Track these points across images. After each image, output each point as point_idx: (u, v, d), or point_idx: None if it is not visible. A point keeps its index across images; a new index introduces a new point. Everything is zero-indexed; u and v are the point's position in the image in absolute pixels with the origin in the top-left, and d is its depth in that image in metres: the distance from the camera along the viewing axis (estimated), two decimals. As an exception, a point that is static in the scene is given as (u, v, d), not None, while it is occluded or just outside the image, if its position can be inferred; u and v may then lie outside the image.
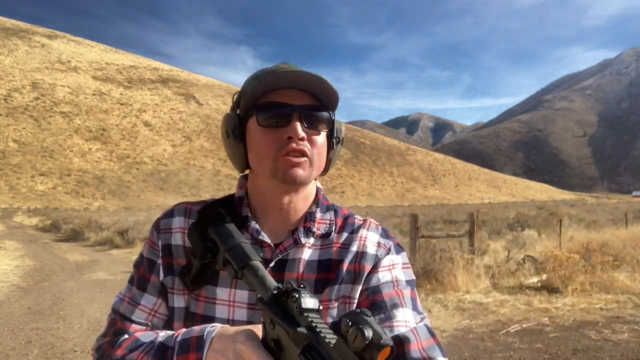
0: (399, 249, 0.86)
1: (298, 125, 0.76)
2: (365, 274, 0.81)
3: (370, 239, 0.84)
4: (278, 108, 0.77)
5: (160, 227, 0.85)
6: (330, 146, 0.84)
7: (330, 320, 0.79)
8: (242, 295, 0.78)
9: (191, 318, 0.80)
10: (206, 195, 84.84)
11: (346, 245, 0.83)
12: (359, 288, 0.80)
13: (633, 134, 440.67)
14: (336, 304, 0.79)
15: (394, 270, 0.82)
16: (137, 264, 0.87)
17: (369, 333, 0.47)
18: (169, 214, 0.87)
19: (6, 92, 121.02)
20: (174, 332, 0.75)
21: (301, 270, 0.80)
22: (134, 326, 0.81)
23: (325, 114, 0.80)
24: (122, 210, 46.06)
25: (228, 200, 0.87)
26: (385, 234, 0.86)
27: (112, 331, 0.82)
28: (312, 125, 0.79)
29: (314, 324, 0.53)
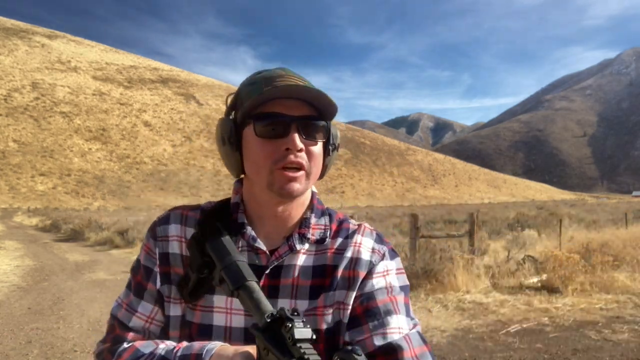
0: (393, 254, 0.86)
1: (296, 136, 0.76)
2: (360, 280, 0.81)
3: (364, 245, 0.85)
4: (276, 118, 0.77)
5: (157, 234, 0.85)
6: (326, 153, 0.84)
7: (325, 326, 0.80)
8: (239, 302, 0.79)
9: (188, 327, 0.81)
10: (206, 195, 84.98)
11: (341, 251, 0.84)
12: (353, 294, 0.81)
13: (633, 134, 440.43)
14: (331, 310, 0.80)
15: (388, 276, 0.83)
16: (134, 269, 0.87)
17: None
18: (165, 220, 0.86)
19: (6, 92, 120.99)
20: (174, 345, 0.76)
21: (296, 276, 0.81)
22: (131, 334, 0.83)
23: (323, 123, 0.80)
24: (122, 210, 46.11)
25: (224, 205, 0.87)
26: (379, 240, 0.87)
27: (111, 338, 0.84)
28: (310, 136, 0.78)
29: (306, 356, 0.54)
